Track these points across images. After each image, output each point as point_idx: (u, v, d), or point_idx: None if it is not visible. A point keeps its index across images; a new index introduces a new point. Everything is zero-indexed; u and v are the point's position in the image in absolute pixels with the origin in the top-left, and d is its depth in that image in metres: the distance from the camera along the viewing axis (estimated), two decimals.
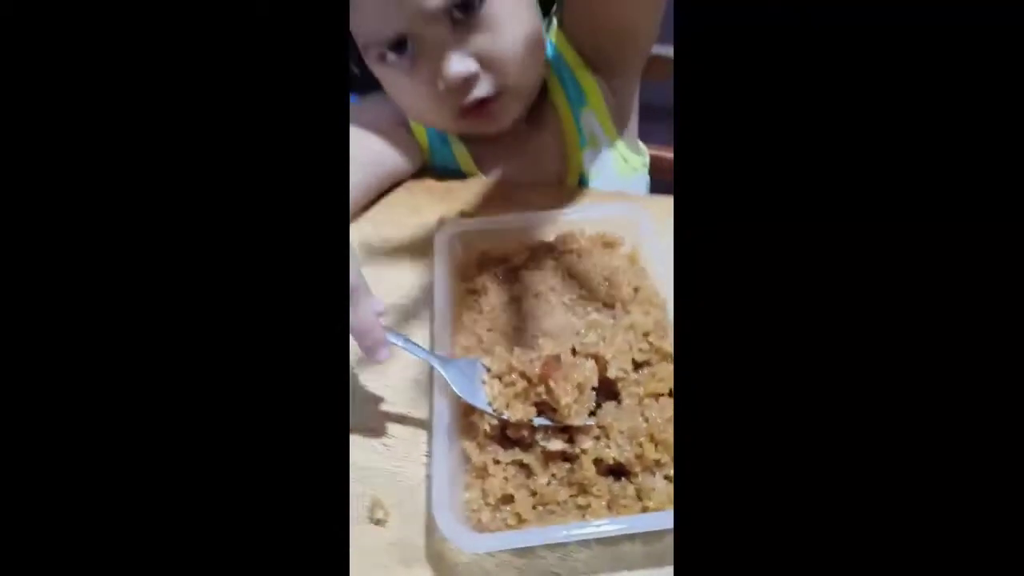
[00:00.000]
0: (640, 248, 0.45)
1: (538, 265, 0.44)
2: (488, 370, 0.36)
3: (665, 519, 0.31)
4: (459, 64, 0.46)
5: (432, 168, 0.60)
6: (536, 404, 0.34)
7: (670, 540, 0.32)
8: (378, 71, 0.51)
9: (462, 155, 0.59)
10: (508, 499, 0.33)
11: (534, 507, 0.33)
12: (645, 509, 0.32)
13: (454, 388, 0.35)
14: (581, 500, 0.33)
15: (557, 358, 0.34)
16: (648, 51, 0.56)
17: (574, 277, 0.43)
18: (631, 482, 0.33)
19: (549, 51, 0.55)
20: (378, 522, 0.35)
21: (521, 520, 0.33)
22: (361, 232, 0.53)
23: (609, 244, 0.46)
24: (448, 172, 0.60)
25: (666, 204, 0.53)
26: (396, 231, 0.53)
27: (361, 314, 0.33)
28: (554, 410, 0.33)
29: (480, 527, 0.33)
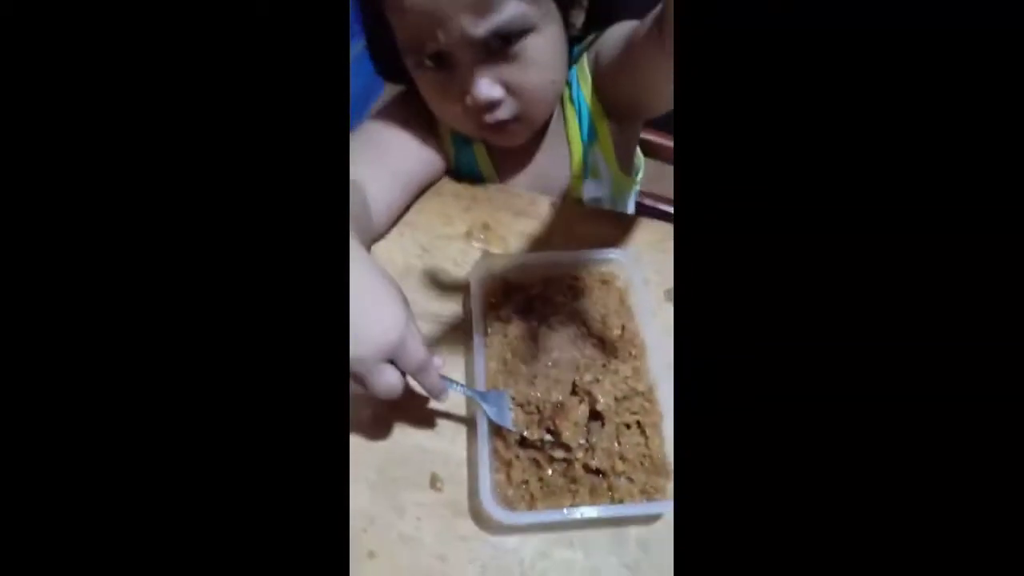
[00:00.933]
0: (628, 290, 0.58)
1: (550, 299, 0.57)
2: (514, 398, 0.52)
3: (628, 508, 0.49)
4: (487, 88, 0.53)
5: (456, 170, 0.70)
6: (546, 428, 0.50)
7: (626, 520, 0.50)
8: (414, 73, 0.57)
9: (483, 158, 0.68)
10: (525, 483, 0.51)
11: (541, 489, 0.51)
12: (612, 500, 0.50)
13: (489, 415, 0.51)
14: (572, 488, 0.51)
15: (561, 404, 0.49)
16: None
17: (577, 312, 0.57)
18: (605, 480, 0.50)
19: (574, 92, 0.62)
20: (437, 489, 0.53)
21: (533, 498, 0.50)
22: (401, 243, 0.65)
23: (606, 281, 0.59)
24: (470, 173, 0.69)
25: (659, 229, 0.65)
26: (429, 239, 0.65)
27: (431, 379, 0.48)
28: (558, 434, 0.50)
29: (506, 500, 0.51)
